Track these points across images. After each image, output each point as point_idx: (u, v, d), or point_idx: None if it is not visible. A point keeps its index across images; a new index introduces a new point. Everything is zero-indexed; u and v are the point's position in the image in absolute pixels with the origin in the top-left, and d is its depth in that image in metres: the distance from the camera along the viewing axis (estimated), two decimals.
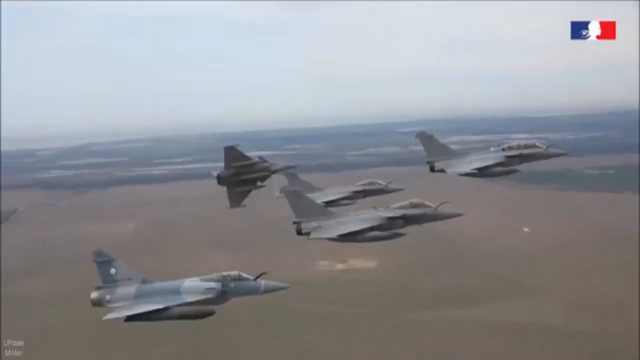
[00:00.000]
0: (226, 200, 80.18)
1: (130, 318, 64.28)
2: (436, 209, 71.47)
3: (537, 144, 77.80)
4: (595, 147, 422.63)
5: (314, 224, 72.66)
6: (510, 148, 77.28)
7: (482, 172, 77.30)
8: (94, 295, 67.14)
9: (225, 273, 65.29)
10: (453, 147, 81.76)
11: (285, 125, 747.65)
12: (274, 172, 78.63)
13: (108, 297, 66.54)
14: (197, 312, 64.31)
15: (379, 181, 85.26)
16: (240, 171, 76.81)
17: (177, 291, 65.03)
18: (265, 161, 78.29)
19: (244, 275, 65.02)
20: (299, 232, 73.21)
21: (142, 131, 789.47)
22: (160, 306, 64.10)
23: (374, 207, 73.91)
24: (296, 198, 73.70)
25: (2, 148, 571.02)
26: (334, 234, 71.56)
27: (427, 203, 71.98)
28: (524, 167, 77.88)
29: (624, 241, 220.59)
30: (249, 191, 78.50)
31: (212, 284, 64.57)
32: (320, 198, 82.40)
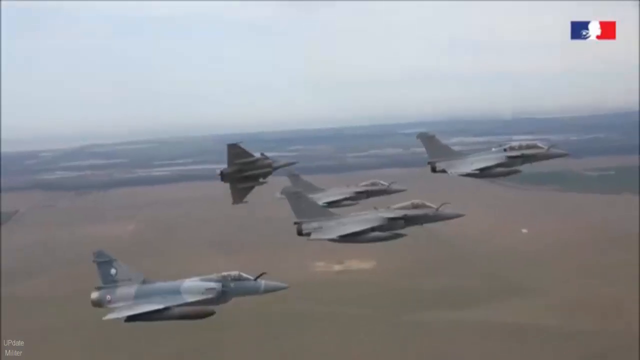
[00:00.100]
0: (226, 201, 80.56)
1: (130, 318, 64.21)
2: (437, 209, 71.46)
3: (538, 144, 77.69)
4: (595, 149, 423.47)
5: (315, 224, 72.57)
6: (511, 148, 77.01)
7: (483, 173, 76.97)
8: (94, 295, 67.09)
9: (225, 273, 65.24)
10: (454, 148, 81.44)
11: (286, 127, 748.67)
12: (276, 168, 78.75)
13: (108, 297, 66.52)
14: (197, 312, 64.26)
15: (382, 182, 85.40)
16: (244, 168, 76.96)
17: (177, 291, 64.99)
18: (267, 158, 78.38)
19: (244, 275, 64.99)
20: (300, 233, 73.10)
21: (142, 132, 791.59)
22: (161, 306, 64.05)
23: (375, 208, 73.85)
24: (297, 199, 73.66)
25: (3, 150, 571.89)
26: (334, 234, 71.40)
27: (428, 204, 71.87)
28: (524, 168, 77.75)
29: (624, 242, 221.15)
30: (252, 187, 78.75)
31: (212, 284, 64.54)
32: (323, 199, 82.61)
